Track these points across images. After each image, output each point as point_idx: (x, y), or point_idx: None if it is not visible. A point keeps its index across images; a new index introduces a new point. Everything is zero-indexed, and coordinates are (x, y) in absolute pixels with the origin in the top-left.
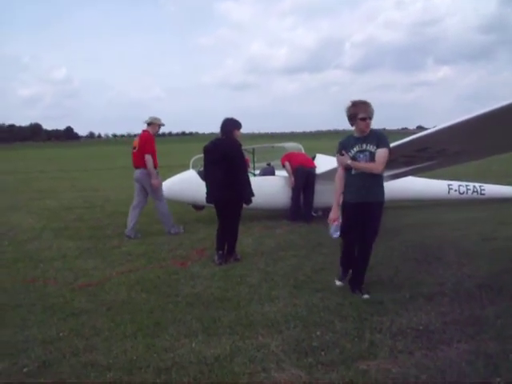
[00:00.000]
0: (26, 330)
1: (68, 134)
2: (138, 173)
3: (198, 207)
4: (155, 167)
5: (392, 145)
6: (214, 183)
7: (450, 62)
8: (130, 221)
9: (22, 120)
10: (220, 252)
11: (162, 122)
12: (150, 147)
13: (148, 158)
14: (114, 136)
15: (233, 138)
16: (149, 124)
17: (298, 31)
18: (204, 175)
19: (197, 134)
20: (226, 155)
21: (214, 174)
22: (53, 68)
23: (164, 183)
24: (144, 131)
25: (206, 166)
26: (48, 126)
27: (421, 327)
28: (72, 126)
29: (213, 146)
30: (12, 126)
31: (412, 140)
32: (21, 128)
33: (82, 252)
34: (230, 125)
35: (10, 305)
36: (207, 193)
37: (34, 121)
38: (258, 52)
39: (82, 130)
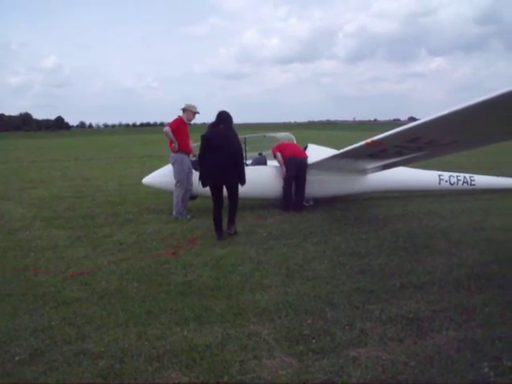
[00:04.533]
0: (17, 319)
1: (58, 124)
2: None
3: (192, 197)
4: (189, 152)
5: (384, 135)
6: (215, 167)
7: (444, 53)
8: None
9: (12, 109)
10: (219, 231)
11: (197, 110)
12: (172, 124)
13: (165, 129)
14: (106, 126)
15: (232, 127)
16: (183, 110)
17: (291, 21)
18: (201, 161)
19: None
20: (228, 142)
21: (216, 159)
22: (42, 56)
23: (147, 177)
24: (178, 117)
25: (206, 152)
26: (38, 115)
27: (411, 315)
28: (62, 116)
29: (215, 134)
30: (1, 116)
31: (403, 130)
32: (10, 117)
33: (74, 241)
34: (228, 116)
35: (1, 294)
36: (204, 177)
37: (23, 110)
38: (250, 41)
39: (72, 120)
